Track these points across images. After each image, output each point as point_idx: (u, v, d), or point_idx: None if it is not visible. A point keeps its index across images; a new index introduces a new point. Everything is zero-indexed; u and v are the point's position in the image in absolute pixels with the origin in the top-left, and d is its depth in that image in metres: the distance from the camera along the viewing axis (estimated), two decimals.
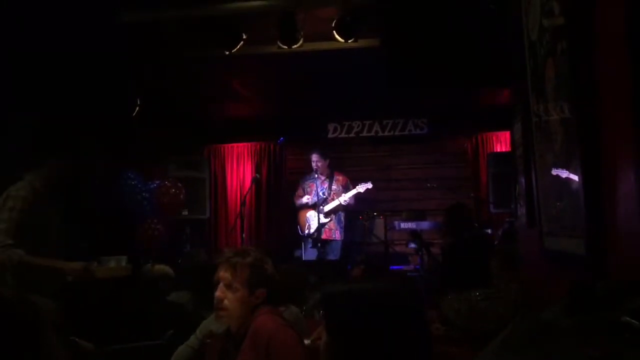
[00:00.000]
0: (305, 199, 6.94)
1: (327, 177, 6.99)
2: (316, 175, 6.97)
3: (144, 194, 6.30)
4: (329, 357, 1.39)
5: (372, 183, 6.92)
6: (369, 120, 7.78)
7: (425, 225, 6.47)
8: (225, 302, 2.21)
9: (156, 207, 6.35)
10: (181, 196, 6.53)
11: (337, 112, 7.69)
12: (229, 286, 2.23)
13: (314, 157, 6.93)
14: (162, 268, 3.82)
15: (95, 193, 5.97)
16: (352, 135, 7.85)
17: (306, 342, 2.28)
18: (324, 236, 6.81)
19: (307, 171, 7.22)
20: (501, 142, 7.53)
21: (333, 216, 6.88)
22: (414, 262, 6.86)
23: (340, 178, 7.04)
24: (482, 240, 4.58)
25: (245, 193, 7.39)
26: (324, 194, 6.87)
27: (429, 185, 7.21)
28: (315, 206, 6.83)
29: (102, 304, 3.27)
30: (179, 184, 6.59)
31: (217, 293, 2.24)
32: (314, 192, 6.95)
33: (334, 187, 6.93)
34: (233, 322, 2.24)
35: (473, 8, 3.58)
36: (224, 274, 2.24)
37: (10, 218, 3.09)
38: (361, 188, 6.78)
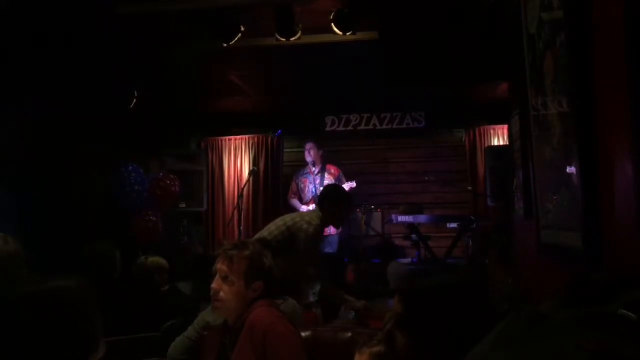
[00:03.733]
0: (305, 208, 6.93)
1: (319, 171, 6.99)
2: (313, 168, 6.98)
3: (135, 187, 6.28)
4: (413, 356, 1.32)
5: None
6: (366, 113, 7.77)
7: (422, 218, 6.48)
8: (221, 293, 2.21)
9: (150, 199, 6.33)
10: (174, 188, 6.49)
11: (335, 105, 7.68)
12: (225, 278, 2.22)
13: (308, 145, 6.95)
14: (157, 260, 3.82)
15: (90, 185, 5.96)
16: (349, 128, 7.85)
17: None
18: None
19: (302, 164, 7.23)
20: (498, 136, 7.54)
21: None
22: (411, 255, 6.87)
23: (333, 170, 7.04)
24: None
25: (242, 186, 7.39)
26: (316, 189, 6.87)
27: (426, 178, 7.22)
28: (309, 203, 6.84)
29: (98, 297, 3.27)
30: (172, 176, 6.55)
31: (213, 285, 2.24)
32: (307, 188, 6.96)
33: (325, 181, 6.93)
34: (229, 314, 2.24)
35: (471, 1, 3.58)
36: (220, 266, 2.24)
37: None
38: (346, 187, 6.77)
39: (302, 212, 4.41)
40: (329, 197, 4.13)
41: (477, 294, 1.41)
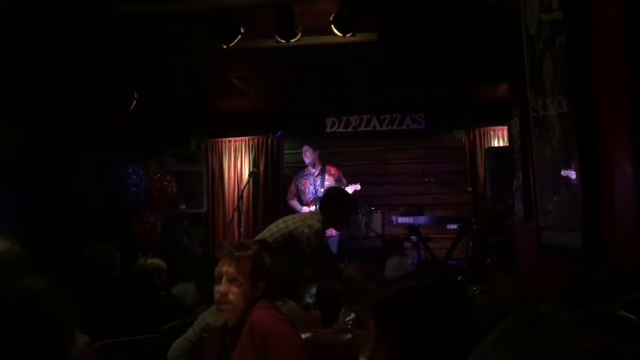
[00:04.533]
0: (306, 209, 6.91)
1: (319, 173, 6.99)
2: (313, 170, 6.98)
3: (133, 188, 6.27)
4: None
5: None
6: (366, 114, 7.77)
7: (422, 220, 6.48)
8: (230, 296, 2.20)
9: (148, 200, 6.32)
10: (172, 190, 6.46)
11: (335, 107, 7.68)
12: (232, 280, 2.21)
13: (304, 148, 6.99)
14: (156, 262, 3.82)
15: (90, 186, 5.96)
16: (349, 129, 7.85)
17: None
18: None
19: (302, 166, 7.23)
20: (498, 137, 7.54)
21: None
22: (411, 257, 6.87)
23: (333, 171, 7.04)
24: None
25: (242, 187, 7.39)
26: (316, 191, 6.86)
27: (426, 180, 7.22)
28: (310, 204, 6.83)
29: (97, 297, 3.27)
30: (169, 177, 6.53)
31: (221, 288, 2.21)
32: (307, 189, 6.95)
33: (326, 182, 6.92)
34: (234, 315, 2.23)
35: (471, 2, 3.58)
36: (227, 268, 2.22)
37: None
38: (349, 189, 6.75)
39: (304, 215, 4.39)
40: (331, 200, 4.12)
41: (448, 294, 1.35)
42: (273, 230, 4.01)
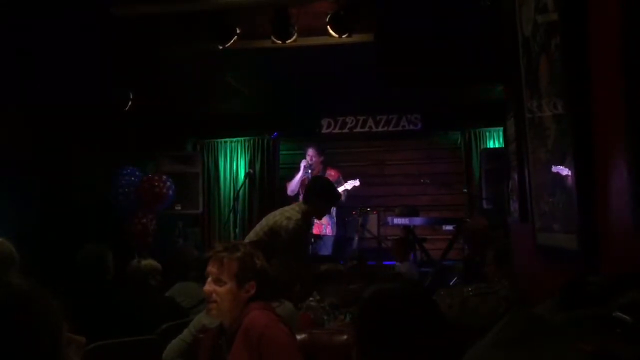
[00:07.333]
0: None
1: (319, 173, 6.98)
2: (310, 171, 6.96)
3: (126, 189, 6.25)
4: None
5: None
6: (362, 116, 7.77)
7: (418, 221, 6.47)
8: (214, 295, 2.22)
9: (141, 201, 6.29)
10: (165, 190, 6.42)
11: (331, 108, 7.68)
12: (216, 280, 2.23)
13: (310, 152, 6.93)
14: (150, 263, 3.81)
15: (87, 187, 5.95)
16: (345, 130, 7.84)
17: None
18: (314, 231, 6.78)
19: (299, 167, 7.21)
20: (494, 138, 7.55)
21: None
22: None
23: (333, 173, 7.03)
24: None
25: (238, 188, 7.38)
26: None
27: (422, 181, 7.22)
28: None
29: (92, 298, 3.26)
30: (157, 177, 6.48)
31: (206, 287, 2.25)
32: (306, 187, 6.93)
33: None
34: (224, 316, 2.24)
35: (467, 4, 3.58)
36: (211, 268, 2.25)
37: None
38: (348, 185, 6.73)
39: (285, 208, 4.39)
40: (314, 189, 4.13)
41: (417, 299, 1.49)
42: (257, 229, 4.03)
